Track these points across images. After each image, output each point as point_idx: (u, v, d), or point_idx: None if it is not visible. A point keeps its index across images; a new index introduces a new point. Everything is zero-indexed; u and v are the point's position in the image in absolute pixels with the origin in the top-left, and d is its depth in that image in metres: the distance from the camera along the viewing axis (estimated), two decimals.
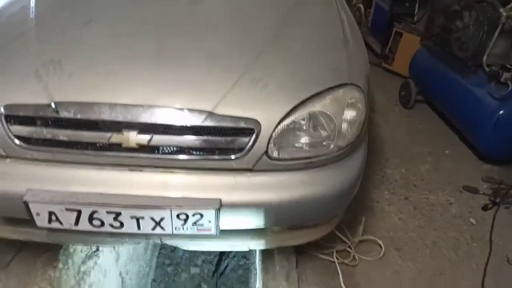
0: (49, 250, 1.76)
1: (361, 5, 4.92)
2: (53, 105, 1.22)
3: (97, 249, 2.20)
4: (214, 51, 1.43)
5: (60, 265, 1.74)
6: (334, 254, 1.85)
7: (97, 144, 1.25)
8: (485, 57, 2.51)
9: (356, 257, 1.87)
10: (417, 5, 3.87)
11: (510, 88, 2.30)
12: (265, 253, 1.85)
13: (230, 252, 4.08)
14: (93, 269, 2.14)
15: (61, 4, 1.68)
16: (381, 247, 1.93)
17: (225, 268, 4.11)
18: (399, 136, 2.95)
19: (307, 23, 1.68)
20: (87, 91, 1.26)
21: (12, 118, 1.24)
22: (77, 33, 1.46)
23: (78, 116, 1.22)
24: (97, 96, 1.24)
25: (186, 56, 1.39)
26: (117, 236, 1.45)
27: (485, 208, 2.26)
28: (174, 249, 4.44)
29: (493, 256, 1.96)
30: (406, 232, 2.07)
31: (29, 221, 1.35)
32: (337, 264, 1.81)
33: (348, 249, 1.90)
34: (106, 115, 1.23)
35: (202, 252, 4.51)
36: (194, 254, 4.47)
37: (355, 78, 1.45)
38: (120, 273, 2.76)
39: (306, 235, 1.57)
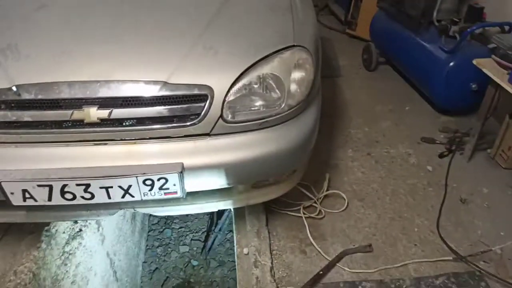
0: (32, 232, 1.85)
1: None
2: (14, 88, 1.29)
3: (80, 230, 2.29)
4: (164, 25, 1.51)
5: (44, 246, 1.83)
6: (301, 209, 1.99)
7: (61, 122, 1.33)
8: (435, 13, 2.63)
9: (322, 211, 2.02)
10: None
11: (457, 40, 2.43)
12: (238, 216, 1.98)
13: (216, 226, 4.22)
14: (78, 249, 2.23)
15: None
16: (345, 200, 2.08)
17: (213, 242, 4.26)
18: (362, 97, 3.08)
19: None
20: (45, 72, 1.33)
21: None
22: (31, 17, 1.52)
23: (39, 97, 1.30)
24: (55, 76, 1.32)
25: (138, 32, 1.48)
26: (92, 208, 1.54)
27: (441, 155, 2.43)
28: (162, 230, 4.57)
29: (448, 198, 2.13)
30: (368, 184, 2.22)
31: (6, 203, 1.44)
32: (303, 218, 1.95)
33: (314, 204, 2.04)
34: (66, 93, 1.30)
35: (190, 230, 4.65)
36: (183, 233, 4.61)
37: (302, 40, 1.55)
38: (108, 254, 2.87)
39: (270, 192, 1.69)
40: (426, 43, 2.70)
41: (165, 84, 1.34)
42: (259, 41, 1.51)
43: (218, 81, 1.38)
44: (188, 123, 1.38)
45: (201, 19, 1.54)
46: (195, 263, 4.34)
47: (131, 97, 1.33)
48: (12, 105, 1.31)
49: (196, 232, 4.57)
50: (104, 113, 1.32)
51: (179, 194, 1.42)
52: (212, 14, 1.56)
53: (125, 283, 3.29)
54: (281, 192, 1.73)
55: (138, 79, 1.33)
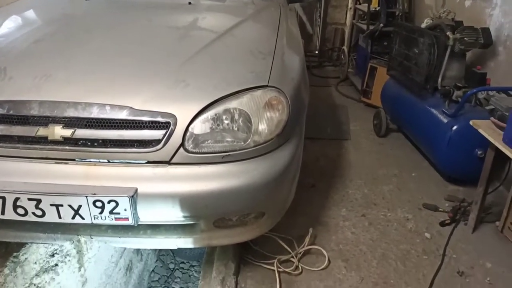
0: (1, 256, 1.82)
1: (345, 48, 5.19)
2: None
3: (56, 265, 2.24)
4: (145, 57, 1.61)
5: (7, 271, 1.79)
6: (275, 262, 1.85)
7: (26, 138, 1.38)
8: (439, 79, 2.61)
9: (300, 267, 1.87)
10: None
11: (460, 103, 2.36)
12: (207, 261, 1.87)
13: None
14: (49, 284, 2.16)
15: (20, 27, 1.92)
16: (326, 257, 1.92)
17: None
18: (367, 161, 2.99)
19: (240, 37, 1.86)
20: (23, 91, 1.42)
21: None
22: (27, 48, 1.68)
23: (11, 112, 1.37)
24: (30, 95, 1.40)
25: (118, 63, 1.58)
26: (49, 231, 1.52)
27: (442, 224, 2.24)
28: None
29: (444, 268, 1.92)
30: (357, 245, 2.06)
31: None
32: (276, 273, 1.81)
33: (292, 259, 1.90)
34: (35, 110, 1.37)
35: None
36: None
37: (278, 82, 1.57)
38: None
39: (235, 234, 1.60)
40: (430, 107, 2.65)
41: (130, 109, 1.38)
42: (232, 78, 1.54)
43: (183, 110, 1.40)
44: (148, 149, 1.39)
45: (181, 56, 1.62)
46: None
47: (96, 119, 1.37)
48: None
49: None
50: (67, 132, 1.36)
51: (130, 221, 1.38)
52: (193, 52, 1.64)
53: None
54: (248, 236, 1.64)
55: (105, 103, 1.38)
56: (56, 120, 1.37)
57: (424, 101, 2.75)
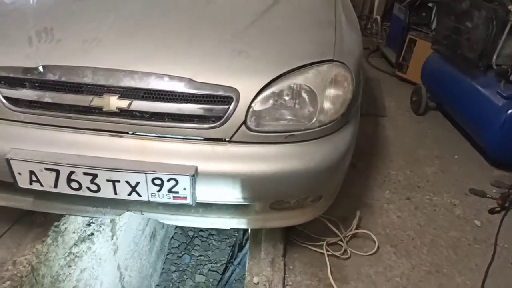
0: (41, 226, 1.79)
1: (378, 17, 4.93)
2: (40, 68, 1.27)
3: (92, 234, 2.22)
4: (198, 24, 1.47)
5: (49, 241, 1.76)
6: (324, 245, 1.79)
7: (79, 107, 1.29)
8: (494, 57, 2.43)
9: (348, 251, 1.81)
10: (434, 13, 3.82)
11: None
12: (254, 241, 1.82)
13: (236, 259, 4.02)
14: (86, 254, 2.15)
15: None
16: (375, 242, 1.86)
17: (230, 276, 4.05)
18: (406, 140, 2.87)
19: (298, 7, 1.70)
20: (73, 56, 1.31)
21: (2, 79, 1.30)
22: (69, 6, 1.54)
23: (63, 79, 1.27)
24: (82, 61, 1.29)
25: (170, 27, 1.45)
26: (98, 205, 1.46)
27: (492, 211, 2.15)
28: (182, 255, 4.44)
29: (497, 258, 1.84)
30: (404, 230, 1.98)
31: (14, 186, 1.40)
32: (326, 256, 1.75)
33: (340, 242, 1.84)
34: (89, 78, 1.27)
35: (209, 260, 4.48)
36: (201, 262, 4.44)
37: (342, 56, 1.44)
38: (119, 267, 2.76)
39: (291, 217, 1.53)
40: (482, 88, 2.49)
41: (190, 81, 1.26)
42: (295, 50, 1.41)
43: (246, 85, 1.29)
44: (208, 125, 1.29)
45: (237, 24, 1.48)
46: None
47: (154, 90, 1.27)
48: (36, 84, 1.29)
49: (215, 263, 4.38)
50: (124, 103, 1.27)
51: (188, 201, 1.31)
52: (249, 21, 1.50)
53: None
54: (303, 219, 1.57)
55: (163, 73, 1.27)
56: (111, 90, 1.27)
57: (474, 79, 2.59)
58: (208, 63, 1.31)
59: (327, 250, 1.77)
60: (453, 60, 2.84)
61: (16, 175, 1.28)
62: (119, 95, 1.27)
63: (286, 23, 1.56)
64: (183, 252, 4.45)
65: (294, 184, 1.37)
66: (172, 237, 4.46)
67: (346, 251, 1.80)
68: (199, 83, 1.27)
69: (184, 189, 1.27)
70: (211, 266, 4.37)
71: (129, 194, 1.29)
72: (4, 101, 1.30)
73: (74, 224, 1.99)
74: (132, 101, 1.27)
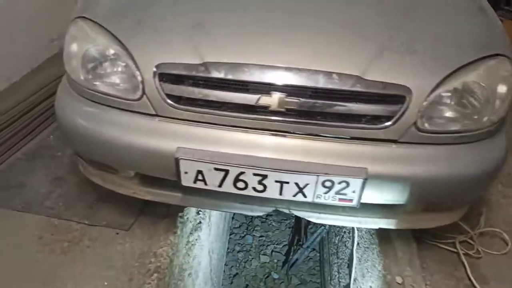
0: (166, 217, 1.81)
1: None
2: (204, 66, 1.24)
3: (200, 222, 2.25)
4: (358, 18, 1.39)
5: (178, 232, 1.79)
6: (457, 244, 1.73)
7: (245, 106, 1.26)
8: None
9: (480, 250, 1.74)
10: None
11: None
12: (383, 236, 1.78)
13: (305, 242, 4.05)
14: (197, 241, 2.19)
15: None
16: (505, 241, 1.78)
17: (297, 258, 4.08)
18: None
19: None
20: (236, 53, 1.27)
21: (164, 77, 1.27)
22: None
23: (229, 77, 1.23)
24: (246, 58, 1.25)
25: (332, 22, 1.37)
26: (247, 202, 1.45)
27: None
28: (244, 235, 4.51)
29: None
30: None
31: (164, 183, 1.40)
32: (461, 255, 1.69)
33: (469, 240, 1.77)
34: (256, 76, 1.23)
35: (271, 241, 4.53)
36: (263, 242, 4.50)
37: (504, 48, 1.34)
38: (209, 251, 2.81)
39: (439, 218, 1.49)
40: None
41: (359, 79, 1.21)
42: (459, 44, 1.32)
43: (419, 83, 1.22)
44: (378, 126, 1.24)
45: (395, 14, 1.40)
46: (275, 276, 4.21)
47: (322, 89, 1.22)
48: (200, 82, 1.27)
49: (277, 244, 4.43)
50: (292, 102, 1.22)
51: (354, 203, 1.28)
52: (404, 10, 1.41)
53: (214, 283, 3.20)
54: (450, 221, 1.52)
55: (331, 71, 1.22)
56: (279, 88, 1.23)
57: None
58: (374, 59, 1.25)
59: (461, 249, 1.71)
60: None
61: (182, 174, 1.28)
62: (286, 94, 1.22)
63: (440, 13, 1.46)
64: (244, 232, 4.52)
65: (460, 188, 1.32)
66: (233, 218, 4.53)
67: (478, 250, 1.74)
68: (369, 81, 1.21)
69: (353, 192, 1.24)
70: (274, 247, 4.43)
71: (295, 195, 1.28)
72: (167, 99, 1.29)
73: (191, 213, 2.02)
74: (299, 100, 1.23)
